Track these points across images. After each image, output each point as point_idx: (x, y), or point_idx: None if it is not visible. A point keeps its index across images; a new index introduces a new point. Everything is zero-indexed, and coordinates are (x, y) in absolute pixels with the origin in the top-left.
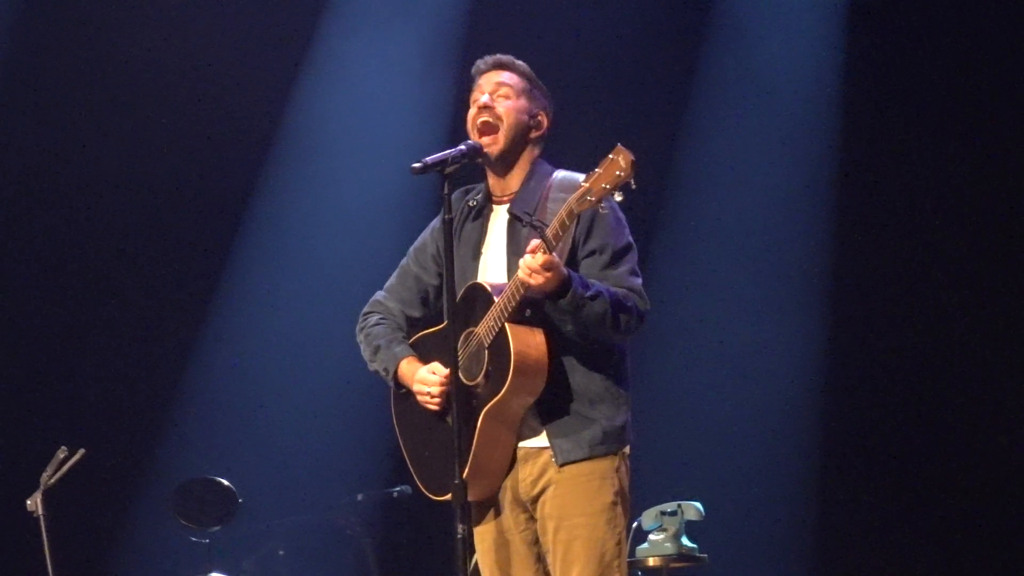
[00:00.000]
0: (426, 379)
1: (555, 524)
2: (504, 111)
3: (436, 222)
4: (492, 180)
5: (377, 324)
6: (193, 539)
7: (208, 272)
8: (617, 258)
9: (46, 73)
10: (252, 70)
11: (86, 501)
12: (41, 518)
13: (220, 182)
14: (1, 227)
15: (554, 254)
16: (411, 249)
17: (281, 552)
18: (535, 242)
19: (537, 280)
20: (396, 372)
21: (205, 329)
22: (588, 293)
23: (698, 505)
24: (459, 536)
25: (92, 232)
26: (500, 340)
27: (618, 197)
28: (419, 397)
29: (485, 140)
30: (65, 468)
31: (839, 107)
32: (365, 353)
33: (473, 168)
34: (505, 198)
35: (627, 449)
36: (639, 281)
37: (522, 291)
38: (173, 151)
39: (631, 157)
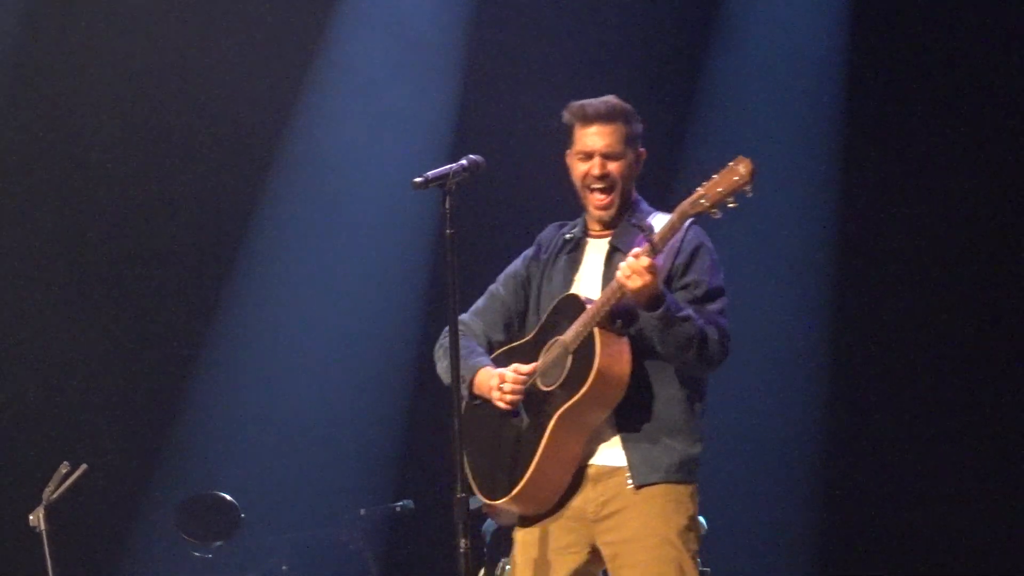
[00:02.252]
0: (501, 375)
1: (632, 547)
2: (617, 173)
3: (529, 252)
4: (591, 218)
5: (460, 338)
6: (196, 554)
7: (210, 287)
8: (710, 296)
9: (53, 78)
10: (257, 80)
11: (88, 516)
12: (44, 533)
13: (223, 196)
14: (5, 239)
15: (658, 258)
16: (502, 275)
17: (284, 567)
18: (637, 249)
19: (635, 283)
20: (472, 381)
21: (207, 344)
22: (680, 313)
23: (701, 519)
24: (462, 551)
25: (95, 248)
26: (586, 345)
27: (731, 204)
28: (492, 394)
29: (602, 201)
30: (67, 483)
31: (842, 108)
32: (441, 366)
33: (474, 183)
34: (604, 234)
35: (695, 486)
36: (727, 323)
37: (618, 295)
38: (178, 163)
39: (752, 166)
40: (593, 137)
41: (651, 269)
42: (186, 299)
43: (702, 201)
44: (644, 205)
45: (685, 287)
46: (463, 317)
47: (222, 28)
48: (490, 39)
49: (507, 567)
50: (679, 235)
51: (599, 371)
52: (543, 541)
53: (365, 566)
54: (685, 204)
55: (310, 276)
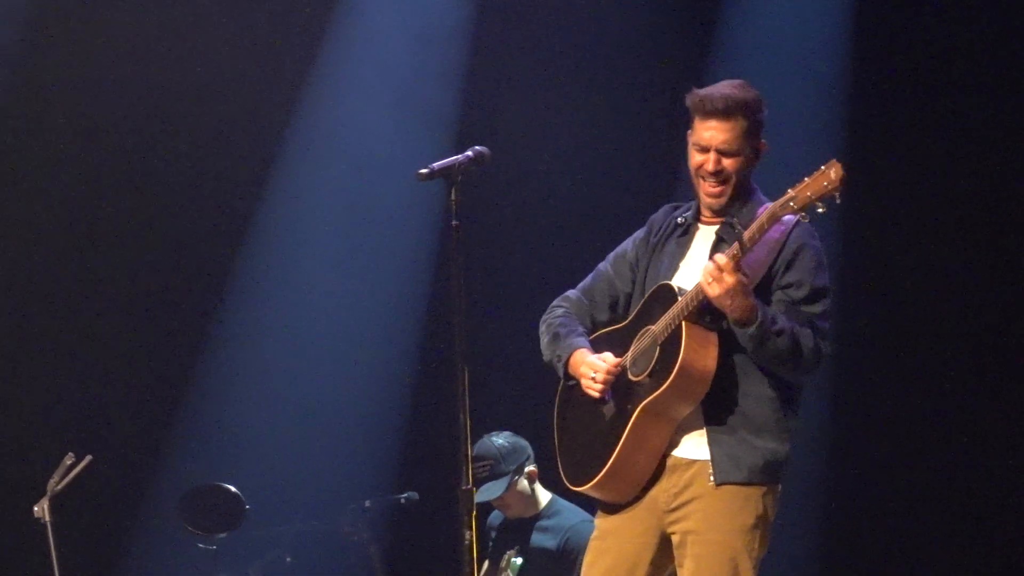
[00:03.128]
0: (594, 364)
1: (694, 538)
2: (732, 167)
3: (639, 233)
4: (704, 205)
5: (561, 316)
6: (200, 545)
7: (214, 279)
8: (814, 297)
9: (54, 75)
10: (257, 76)
11: (93, 507)
12: (48, 524)
13: (229, 189)
14: (7, 232)
15: (741, 275)
16: (611, 254)
17: (288, 559)
18: (719, 257)
19: (714, 290)
20: (568, 360)
21: (211, 335)
22: (775, 327)
23: None
24: (466, 543)
25: (98, 239)
26: (674, 337)
27: (820, 209)
28: (583, 381)
29: (714, 191)
30: (72, 475)
31: (844, 112)
32: (543, 342)
33: (480, 174)
34: (715, 221)
35: (779, 487)
36: (827, 325)
37: (700, 297)
38: (182, 155)
39: (843, 172)
40: (711, 132)
41: (732, 276)
42: (191, 291)
43: (791, 203)
44: (759, 195)
45: (786, 287)
46: (569, 293)
47: (230, 20)
48: (497, 31)
49: (512, 559)
50: (782, 233)
51: (682, 366)
52: (619, 529)
53: (369, 558)
54: (775, 205)
55: (315, 268)
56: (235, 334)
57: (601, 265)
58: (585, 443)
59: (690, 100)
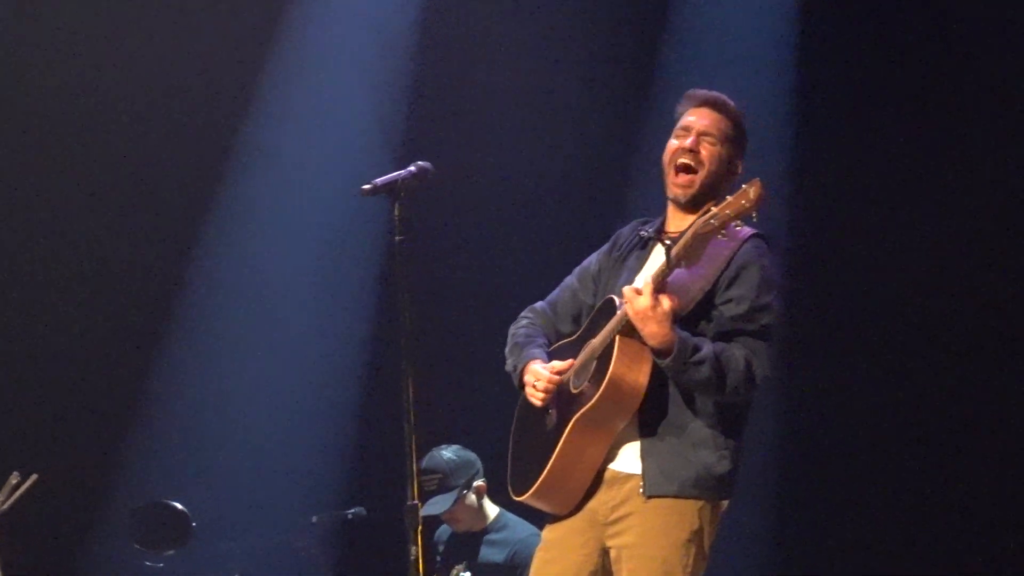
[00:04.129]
0: (537, 372)
1: (628, 553)
2: (707, 156)
3: (604, 247)
4: (671, 216)
5: (524, 327)
6: (148, 563)
7: (161, 295)
8: (753, 314)
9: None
10: (204, 85)
11: (39, 527)
12: None
13: (173, 203)
14: None
15: (659, 299)
16: (578, 267)
17: (237, 575)
18: (643, 278)
19: (631, 310)
20: (522, 372)
21: (158, 352)
22: (694, 358)
23: None
24: (413, 558)
25: (43, 252)
26: (607, 351)
27: (737, 227)
28: (527, 389)
29: (681, 179)
30: (18, 494)
31: (792, 107)
32: (507, 352)
33: (423, 189)
34: (674, 235)
35: (723, 503)
36: (765, 345)
37: (619, 327)
38: (126, 170)
39: (761, 192)
40: (696, 116)
41: (648, 299)
42: (137, 307)
43: (712, 222)
44: None
45: (726, 302)
46: (536, 304)
47: (177, 26)
48: (445, 38)
49: (460, 574)
50: (730, 249)
51: (612, 379)
52: (561, 540)
53: (318, 573)
54: (698, 222)
55: (261, 284)
56: (181, 350)
57: (568, 278)
58: (529, 453)
59: (683, 99)
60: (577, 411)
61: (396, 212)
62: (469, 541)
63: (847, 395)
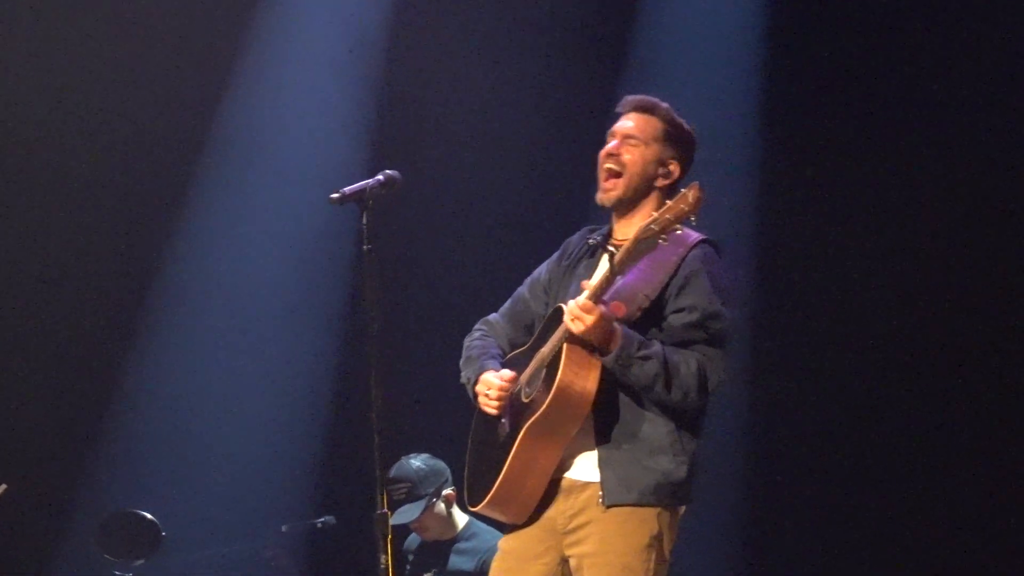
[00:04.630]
0: (488, 381)
1: (589, 561)
2: (630, 159)
3: (554, 256)
4: (617, 223)
5: (478, 339)
6: (117, 573)
7: (128, 305)
8: (702, 321)
9: None
10: (178, 85)
11: (8, 536)
12: None
13: (144, 207)
14: None
15: (601, 305)
16: (529, 278)
17: None
18: (585, 289)
19: (578, 327)
20: (476, 382)
21: (126, 360)
22: (639, 353)
23: None
24: (383, 566)
25: (11, 260)
26: (556, 359)
27: (678, 230)
28: (479, 399)
29: (606, 185)
30: None
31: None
32: (462, 365)
33: (391, 198)
34: (620, 242)
35: (681, 509)
36: (718, 352)
37: (565, 336)
38: (98, 174)
39: (700, 195)
40: (622, 121)
41: (587, 309)
42: (103, 317)
43: (652, 227)
44: None
45: (678, 311)
46: (490, 316)
47: (147, 30)
48: (414, 43)
49: None
50: (678, 256)
51: (559, 387)
52: (519, 550)
53: None
54: (640, 228)
55: (230, 293)
56: (151, 359)
57: (519, 288)
58: (483, 463)
59: (616, 109)
60: (528, 420)
61: (364, 221)
62: (438, 550)
63: (816, 397)
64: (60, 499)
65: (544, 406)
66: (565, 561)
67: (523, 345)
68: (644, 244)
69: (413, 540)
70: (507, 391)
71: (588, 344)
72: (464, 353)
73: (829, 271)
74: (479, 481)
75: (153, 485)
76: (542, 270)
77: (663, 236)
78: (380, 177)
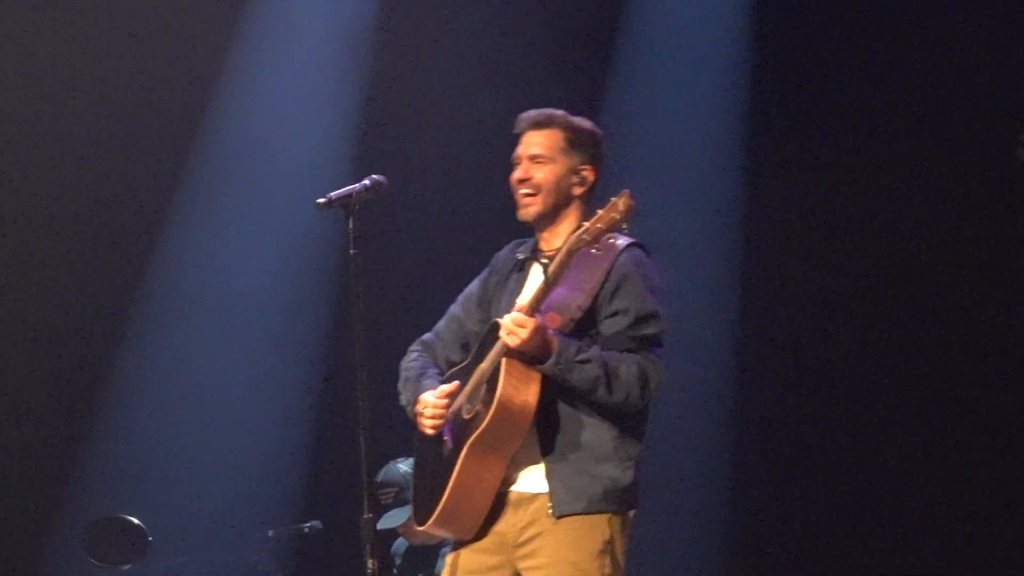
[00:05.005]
0: (425, 400)
1: (544, 573)
2: (542, 178)
3: (484, 273)
4: (540, 236)
5: (414, 360)
6: None
7: (115, 308)
8: (638, 323)
9: None
10: (163, 91)
11: None
12: None
13: (131, 209)
14: None
15: (537, 316)
16: (461, 295)
17: None
18: (520, 302)
19: (513, 341)
20: (416, 403)
21: (112, 365)
22: (578, 357)
23: None
24: (370, 571)
25: None
26: (495, 374)
27: (610, 240)
28: (418, 419)
29: (524, 201)
30: None
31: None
32: (400, 387)
33: (377, 203)
34: (551, 254)
35: (631, 513)
36: (656, 351)
37: (503, 351)
38: (82, 177)
39: (631, 203)
40: (523, 144)
41: (521, 323)
42: (91, 319)
43: (584, 236)
44: None
45: (613, 315)
46: (425, 336)
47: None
48: (396, 50)
49: None
50: (609, 261)
51: (500, 402)
52: (469, 566)
53: None
54: (571, 240)
55: (216, 297)
56: (136, 364)
57: (452, 307)
58: (428, 482)
59: (516, 126)
60: (470, 436)
61: (350, 225)
62: (426, 554)
63: (803, 399)
64: (46, 504)
65: (486, 421)
66: (518, 575)
67: (458, 362)
68: (576, 255)
69: (400, 544)
70: (442, 406)
71: (526, 357)
72: (402, 375)
73: (815, 271)
74: (425, 500)
75: (140, 490)
76: (474, 287)
77: (595, 245)
78: (366, 182)
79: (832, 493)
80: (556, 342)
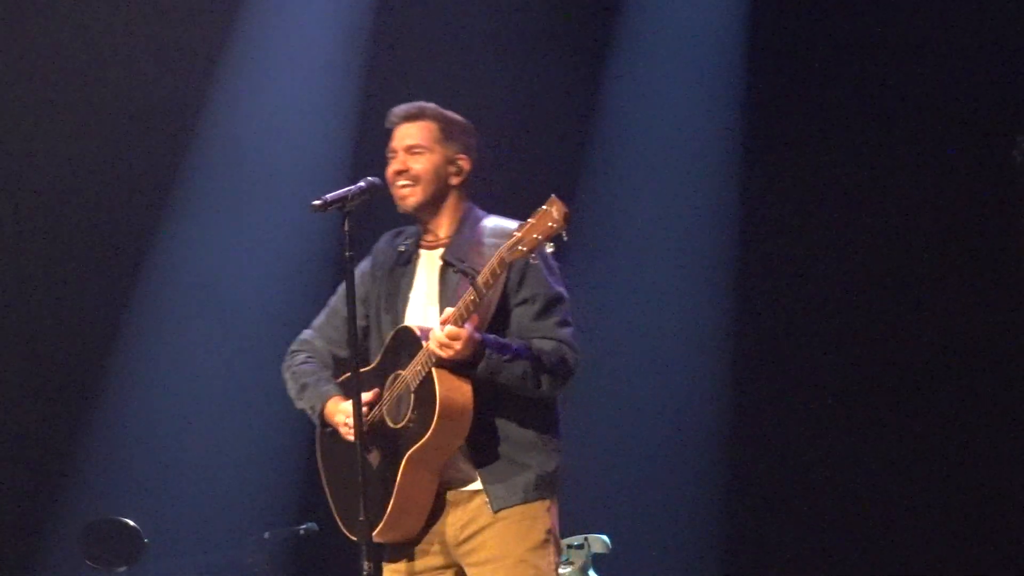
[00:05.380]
0: (348, 410)
1: (492, 567)
2: (421, 169)
3: (364, 265)
4: (423, 226)
5: (304, 363)
6: None
7: (110, 309)
8: (548, 308)
9: None
10: (159, 92)
11: None
12: None
13: (127, 211)
14: None
15: (467, 326)
16: (340, 288)
17: None
18: (447, 312)
19: (448, 352)
20: (323, 410)
21: (107, 366)
22: (505, 356)
23: (605, 538)
24: (365, 573)
25: None
26: (426, 385)
27: (549, 248)
28: (341, 429)
29: (402, 192)
30: None
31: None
32: (291, 390)
33: (373, 205)
34: (437, 244)
35: (556, 499)
36: (569, 332)
37: (433, 360)
38: (76, 178)
39: (564, 209)
40: (399, 136)
41: (455, 336)
42: (85, 322)
43: (520, 247)
44: (477, 212)
45: (522, 303)
46: (304, 334)
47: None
48: (394, 50)
49: None
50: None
51: (441, 411)
52: (411, 568)
53: None
54: (503, 250)
55: (213, 298)
56: (132, 364)
57: (332, 301)
58: (351, 491)
59: (388, 119)
60: (409, 448)
61: (346, 227)
62: None
63: (799, 394)
64: (41, 506)
65: (430, 432)
66: (462, 573)
67: (344, 358)
68: (510, 265)
69: None
70: (370, 418)
71: (456, 363)
72: (294, 379)
73: (812, 268)
74: (353, 510)
75: (136, 492)
76: (355, 281)
77: (532, 255)
78: (362, 183)
79: (831, 493)
80: (483, 346)
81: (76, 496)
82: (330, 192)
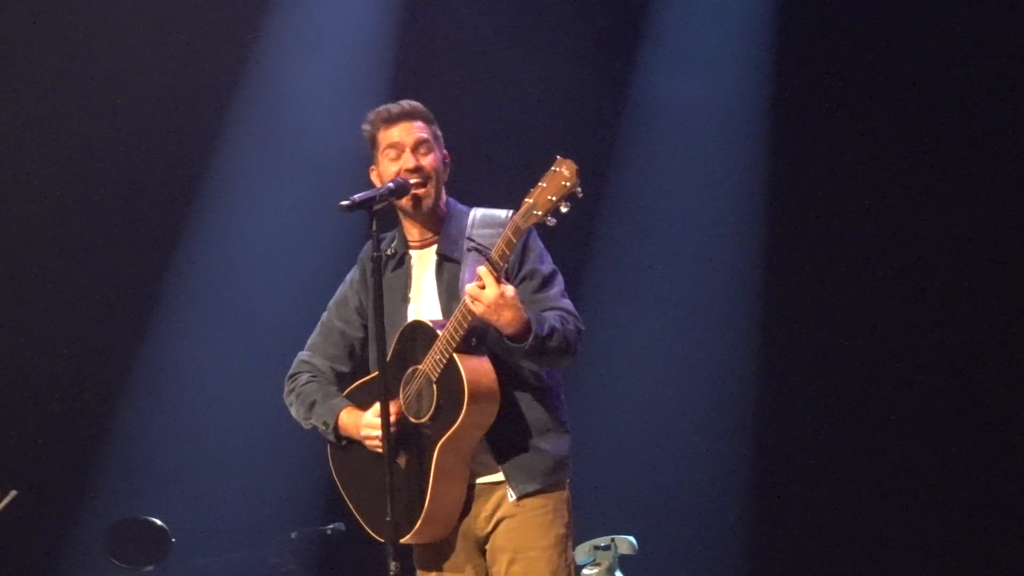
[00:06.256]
0: (372, 422)
1: (510, 556)
2: (431, 165)
3: (352, 274)
4: (408, 227)
5: (308, 382)
6: None
7: (138, 307)
8: (547, 282)
9: None
10: (187, 88)
11: (17, 542)
12: None
13: (154, 209)
14: None
15: (505, 284)
16: (331, 304)
17: None
18: (480, 269)
19: (478, 308)
20: (336, 423)
21: (134, 366)
22: (544, 332)
23: (631, 539)
24: (392, 573)
25: (15, 264)
26: (450, 371)
27: (564, 208)
28: (367, 442)
29: (422, 192)
30: None
31: (770, 101)
32: (299, 412)
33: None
34: (425, 243)
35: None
36: (569, 302)
37: (468, 319)
38: (98, 183)
39: (575, 166)
40: (401, 132)
41: (493, 289)
42: (112, 321)
43: (535, 212)
44: (459, 206)
45: (525, 279)
46: (302, 355)
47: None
48: (421, 49)
49: None
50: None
51: (471, 395)
52: (441, 564)
53: None
54: (517, 218)
55: (238, 299)
56: (159, 365)
57: (325, 318)
58: (377, 497)
59: (367, 123)
60: (438, 439)
61: (374, 227)
62: None
63: (825, 395)
64: (69, 505)
65: (461, 415)
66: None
67: (348, 373)
68: (525, 231)
69: None
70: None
71: (469, 343)
72: (300, 400)
73: (839, 267)
74: (379, 512)
75: (162, 491)
76: (347, 295)
77: (550, 219)
78: (390, 184)
79: (860, 494)
80: (531, 319)
81: (104, 495)
82: (358, 193)
